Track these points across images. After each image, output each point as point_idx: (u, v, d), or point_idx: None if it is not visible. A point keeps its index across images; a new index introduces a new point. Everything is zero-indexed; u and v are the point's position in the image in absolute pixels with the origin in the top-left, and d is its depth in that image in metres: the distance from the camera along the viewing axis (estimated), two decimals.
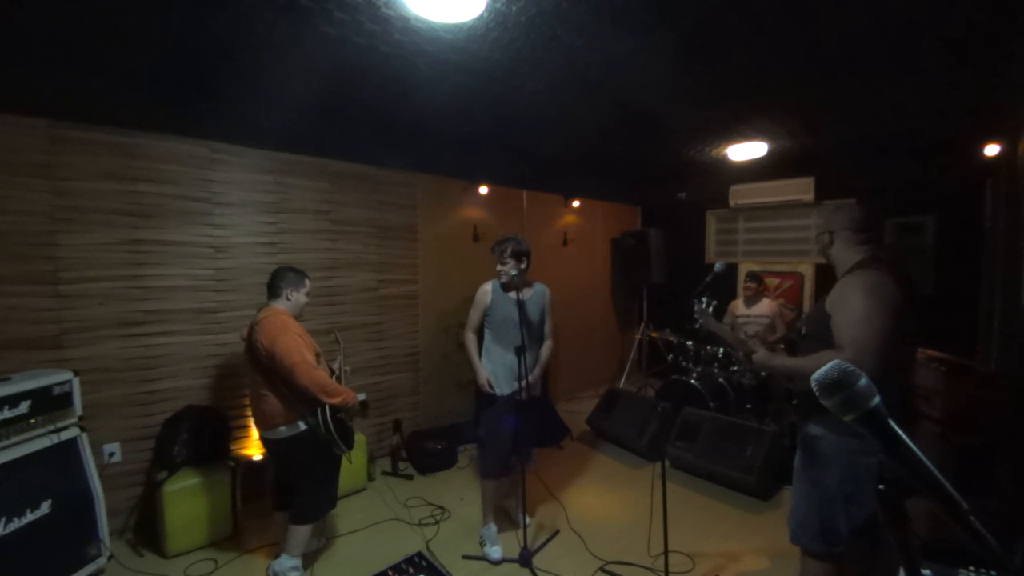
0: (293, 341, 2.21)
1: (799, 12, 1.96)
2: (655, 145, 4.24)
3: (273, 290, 2.42)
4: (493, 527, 2.77)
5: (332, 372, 2.57)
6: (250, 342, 2.29)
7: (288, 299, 2.41)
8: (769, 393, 4.19)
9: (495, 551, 2.64)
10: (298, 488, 2.40)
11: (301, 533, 2.37)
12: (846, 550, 1.69)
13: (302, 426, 2.31)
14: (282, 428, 2.31)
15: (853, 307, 1.61)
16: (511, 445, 2.66)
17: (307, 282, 2.48)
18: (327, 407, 2.28)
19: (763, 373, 4.09)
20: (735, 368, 4.28)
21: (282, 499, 2.50)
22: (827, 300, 1.72)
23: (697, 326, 2.20)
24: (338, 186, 3.65)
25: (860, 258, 1.75)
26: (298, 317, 2.45)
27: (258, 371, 2.29)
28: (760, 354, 1.84)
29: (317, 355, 2.38)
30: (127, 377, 2.81)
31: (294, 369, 2.17)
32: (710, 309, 2.07)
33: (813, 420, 1.73)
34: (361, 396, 3.80)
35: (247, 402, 3.21)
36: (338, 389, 2.31)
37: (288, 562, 2.36)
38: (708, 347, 4.42)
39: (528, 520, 2.75)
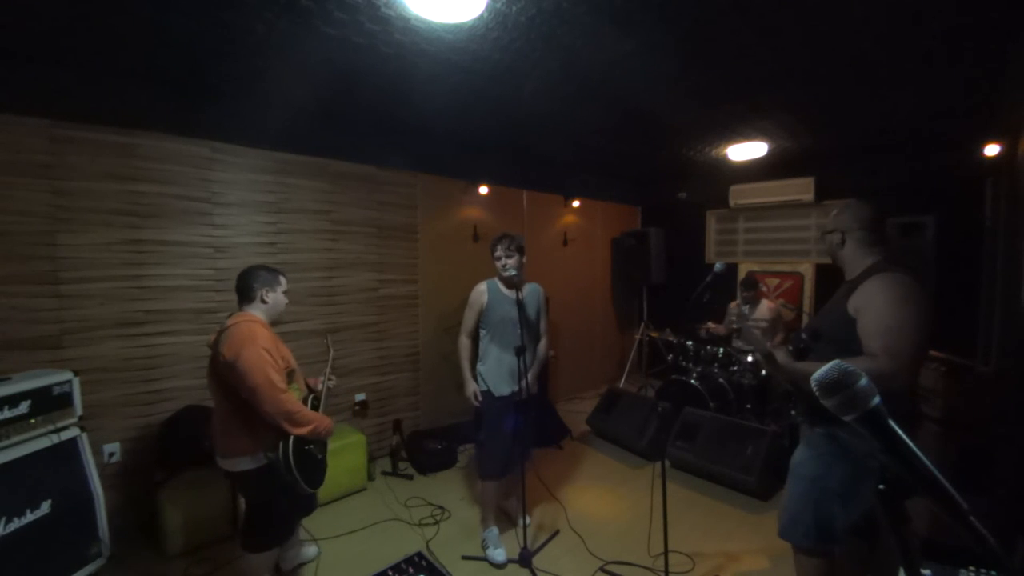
0: (258, 357, 1.88)
1: (799, 12, 1.96)
2: (655, 145, 4.24)
3: (245, 293, 2.07)
4: (495, 529, 2.74)
5: (310, 392, 2.30)
6: (214, 352, 1.97)
7: (264, 301, 2.08)
8: (769, 393, 4.19)
9: (498, 553, 2.61)
10: (250, 518, 2.16)
11: (253, 561, 2.10)
12: (840, 548, 1.68)
13: (261, 459, 1.98)
14: (239, 459, 1.99)
15: (886, 313, 1.53)
16: (511, 446, 2.64)
17: (282, 279, 2.17)
18: (291, 439, 1.95)
19: (763, 373, 4.08)
20: (735, 368, 4.28)
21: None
22: (850, 302, 1.64)
23: (733, 327, 2.17)
24: (338, 186, 3.65)
25: (874, 260, 1.70)
26: (276, 322, 2.17)
27: (218, 386, 1.98)
28: (782, 356, 1.75)
29: (291, 372, 2.09)
30: (127, 377, 2.81)
31: (256, 391, 1.86)
32: (746, 308, 2.04)
33: (824, 420, 1.69)
34: (361, 396, 3.80)
35: None
36: (307, 417, 1.98)
37: None
38: (708, 347, 4.42)
39: (528, 520, 2.74)
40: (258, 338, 1.93)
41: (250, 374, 1.86)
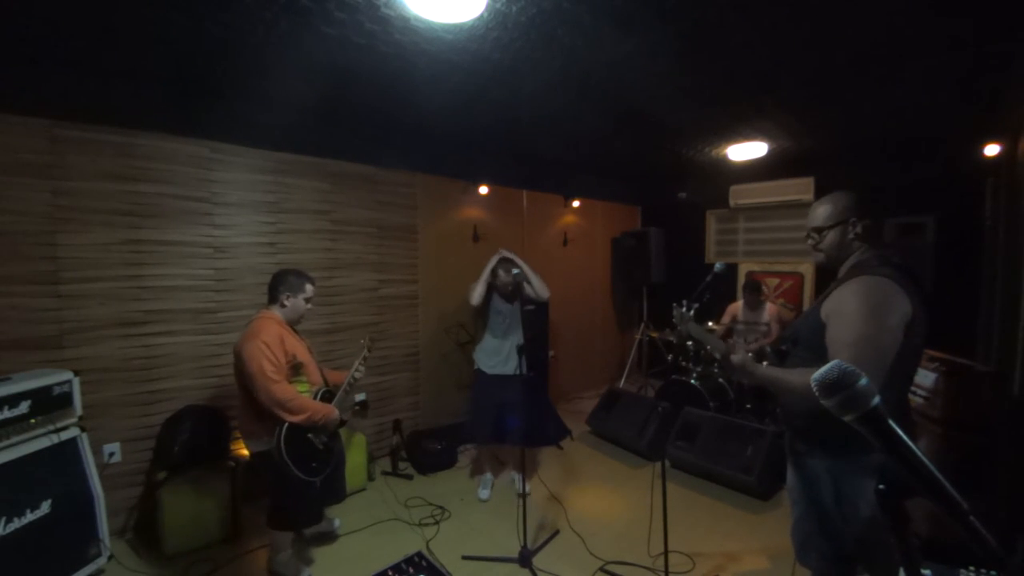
0: (256, 350, 2.08)
1: (799, 12, 1.96)
2: (655, 145, 4.24)
3: (271, 292, 2.33)
4: (488, 475, 3.32)
5: (326, 384, 2.45)
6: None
7: (284, 305, 2.29)
8: (769, 393, 4.18)
9: (484, 493, 3.23)
10: (270, 496, 2.35)
11: (275, 538, 2.33)
12: (853, 563, 1.62)
13: (263, 445, 2.17)
14: (250, 440, 2.23)
15: (853, 324, 1.37)
16: (496, 418, 3.12)
17: (308, 287, 2.35)
18: (285, 425, 2.10)
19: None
20: None
21: None
22: (823, 306, 1.50)
23: (676, 329, 2.12)
24: (338, 186, 3.65)
25: (865, 256, 1.53)
26: (296, 323, 2.37)
27: (237, 375, 2.21)
28: (740, 357, 1.60)
29: (296, 365, 2.25)
30: (127, 377, 2.81)
31: (252, 379, 2.07)
32: (691, 313, 1.98)
33: (799, 436, 1.62)
34: (361, 396, 3.79)
35: None
36: (300, 406, 2.12)
37: (276, 557, 2.42)
38: (708, 347, 4.41)
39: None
40: (261, 333, 2.14)
41: (248, 363, 2.08)
